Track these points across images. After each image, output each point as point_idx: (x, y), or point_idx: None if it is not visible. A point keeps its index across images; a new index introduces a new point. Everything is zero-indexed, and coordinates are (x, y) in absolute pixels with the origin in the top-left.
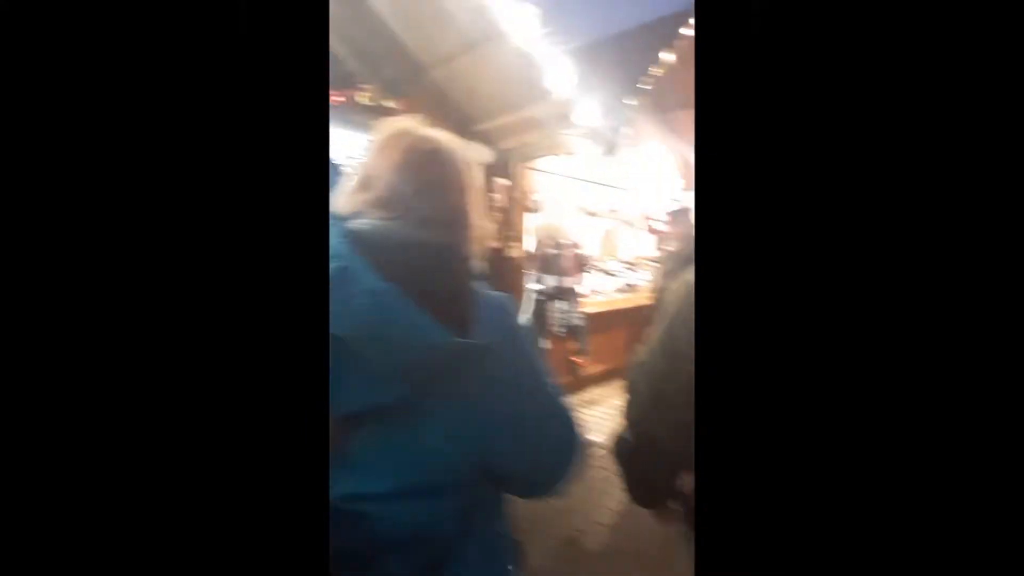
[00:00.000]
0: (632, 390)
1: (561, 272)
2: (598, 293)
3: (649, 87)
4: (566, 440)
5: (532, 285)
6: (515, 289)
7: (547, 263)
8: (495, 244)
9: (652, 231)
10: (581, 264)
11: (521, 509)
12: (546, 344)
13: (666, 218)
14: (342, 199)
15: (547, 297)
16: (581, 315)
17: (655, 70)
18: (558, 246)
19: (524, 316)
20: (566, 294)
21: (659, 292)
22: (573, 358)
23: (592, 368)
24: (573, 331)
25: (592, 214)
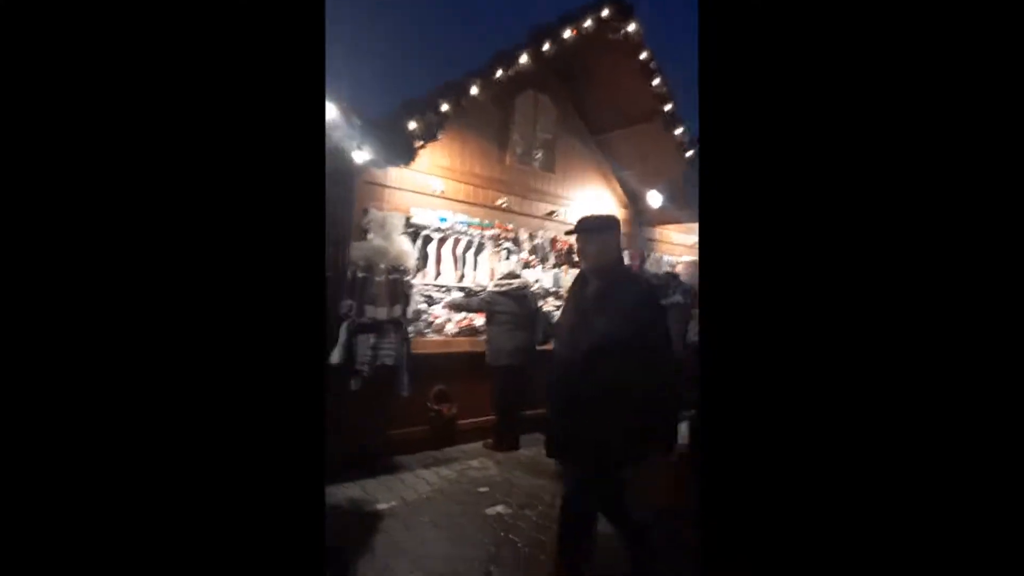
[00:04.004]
0: None
1: (373, 301)
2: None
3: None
4: None
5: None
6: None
7: (358, 290)
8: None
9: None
10: (400, 292)
11: None
12: (354, 384)
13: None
14: None
15: (359, 330)
16: (392, 353)
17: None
18: (370, 270)
19: (334, 353)
20: (380, 327)
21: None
22: (434, 405)
23: (464, 419)
24: (386, 371)
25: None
